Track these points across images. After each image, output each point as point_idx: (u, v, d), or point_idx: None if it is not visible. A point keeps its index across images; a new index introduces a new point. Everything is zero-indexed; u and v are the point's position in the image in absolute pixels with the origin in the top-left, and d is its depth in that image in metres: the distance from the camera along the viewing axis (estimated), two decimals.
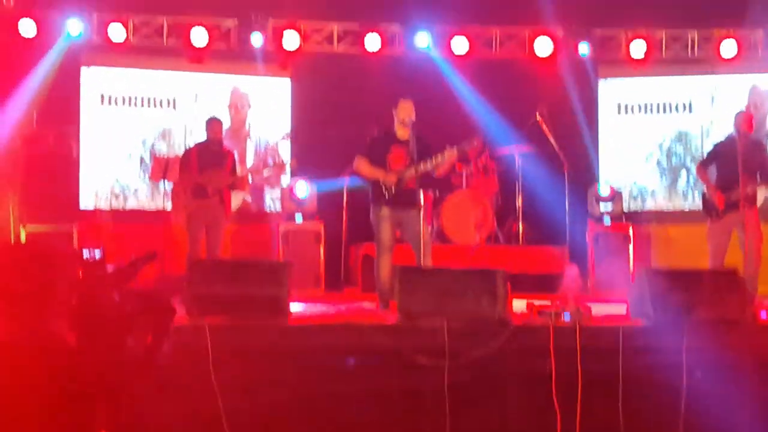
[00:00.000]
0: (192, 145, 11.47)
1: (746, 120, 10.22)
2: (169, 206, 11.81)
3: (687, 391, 7.45)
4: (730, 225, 10.14)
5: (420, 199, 9.31)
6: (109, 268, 8.01)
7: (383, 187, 9.40)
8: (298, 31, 13.03)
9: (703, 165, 10.54)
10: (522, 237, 12.86)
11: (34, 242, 7.83)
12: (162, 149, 13.32)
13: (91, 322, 6.69)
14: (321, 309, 9.58)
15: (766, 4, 12.70)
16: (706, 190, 10.35)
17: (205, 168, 10.69)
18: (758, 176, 10.07)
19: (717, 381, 7.46)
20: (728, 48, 13.04)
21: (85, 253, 7.74)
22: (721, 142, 10.67)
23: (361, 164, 9.60)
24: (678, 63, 13.58)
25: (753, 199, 10.14)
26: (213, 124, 10.98)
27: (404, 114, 9.50)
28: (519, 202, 12.92)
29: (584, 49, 13.27)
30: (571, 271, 11.82)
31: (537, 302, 8.47)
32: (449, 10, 13.20)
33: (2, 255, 7.49)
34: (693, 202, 13.20)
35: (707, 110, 13.57)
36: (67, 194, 12.38)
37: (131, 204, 13.16)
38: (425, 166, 9.38)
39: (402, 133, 9.55)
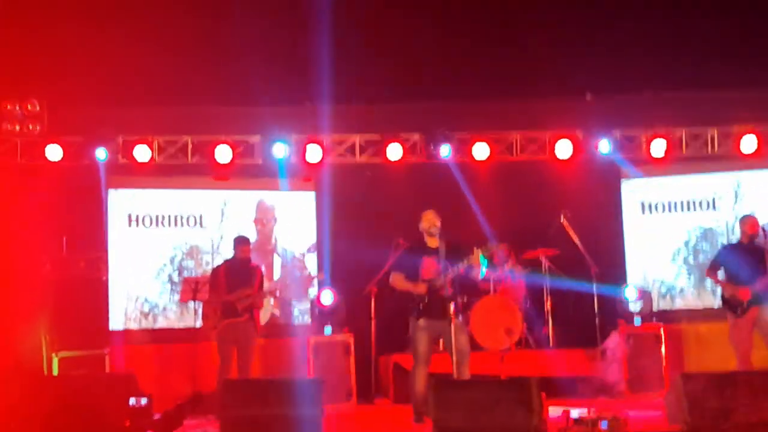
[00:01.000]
0: (220, 262, 11.55)
1: (752, 224, 10.49)
2: (198, 323, 11.83)
3: None
4: (750, 322, 10.23)
5: (450, 309, 9.27)
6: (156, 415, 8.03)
7: (417, 299, 9.41)
8: (320, 144, 13.19)
9: (712, 269, 10.68)
10: (552, 340, 12.78)
11: (82, 389, 7.84)
12: (190, 266, 13.38)
13: None
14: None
15: None
16: (724, 291, 10.43)
17: (234, 286, 10.76)
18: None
19: None
20: (748, 143, 13.11)
21: (132, 401, 7.75)
22: (725, 246, 11.14)
23: (396, 279, 9.65)
24: (699, 160, 13.63)
25: None
26: (240, 242, 11.09)
27: (428, 224, 9.58)
28: (548, 305, 12.87)
29: (605, 147, 13.31)
30: (615, 339, 11.76)
31: (573, 409, 8.41)
32: (468, 118, 13.37)
33: (52, 405, 7.54)
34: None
35: (731, 207, 13.55)
36: (97, 318, 12.36)
37: (161, 323, 13.17)
38: (454, 272, 9.38)
39: (431, 242, 9.60)
